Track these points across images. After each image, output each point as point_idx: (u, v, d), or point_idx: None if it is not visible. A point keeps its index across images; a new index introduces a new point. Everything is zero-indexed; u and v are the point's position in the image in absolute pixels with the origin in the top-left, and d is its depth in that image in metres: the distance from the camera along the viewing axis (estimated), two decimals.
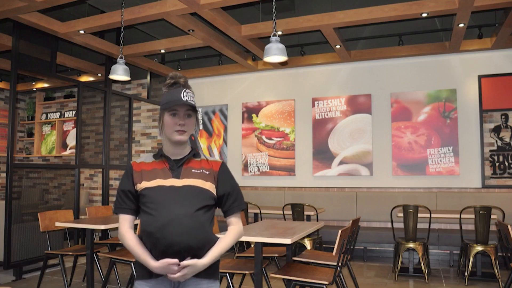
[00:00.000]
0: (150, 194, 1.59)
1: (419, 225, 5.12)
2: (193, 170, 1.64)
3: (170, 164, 1.64)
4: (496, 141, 5.62)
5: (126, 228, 1.63)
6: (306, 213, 5.02)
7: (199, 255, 1.56)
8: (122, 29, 4.58)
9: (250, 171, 6.82)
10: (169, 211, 1.55)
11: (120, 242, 4.53)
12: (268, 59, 3.72)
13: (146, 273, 1.59)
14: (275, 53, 3.61)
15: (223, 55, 6.26)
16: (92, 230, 3.68)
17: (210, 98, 7.21)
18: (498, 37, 5.15)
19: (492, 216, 4.38)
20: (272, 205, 6.44)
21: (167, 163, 1.65)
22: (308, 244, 4.89)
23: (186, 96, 1.59)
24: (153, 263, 1.52)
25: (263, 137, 6.79)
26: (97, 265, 4.08)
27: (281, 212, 5.26)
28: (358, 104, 6.26)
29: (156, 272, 1.54)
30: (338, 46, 5.60)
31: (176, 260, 1.49)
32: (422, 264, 4.49)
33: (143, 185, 1.61)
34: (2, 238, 4.74)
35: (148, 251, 1.57)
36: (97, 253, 4.08)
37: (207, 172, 1.66)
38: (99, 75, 7.03)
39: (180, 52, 6.55)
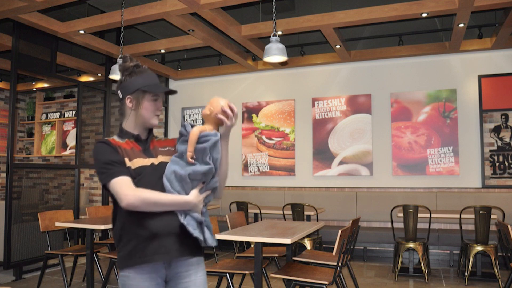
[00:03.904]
0: (135, 174, 1.58)
1: (419, 225, 5.12)
2: (160, 149, 1.69)
3: (141, 145, 1.66)
4: (496, 141, 5.62)
5: (135, 187, 1.52)
6: (306, 213, 5.02)
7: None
8: (122, 29, 4.59)
9: (250, 171, 6.82)
10: (155, 187, 1.57)
11: None
12: (268, 59, 3.72)
13: (139, 259, 1.54)
14: (275, 53, 3.62)
15: (223, 55, 6.26)
16: (92, 230, 3.68)
17: (210, 98, 7.19)
18: (498, 37, 5.15)
19: (492, 216, 4.38)
20: (272, 205, 6.44)
21: (137, 144, 1.66)
22: (308, 244, 4.89)
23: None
24: (189, 197, 1.55)
25: (263, 137, 6.79)
26: (97, 265, 4.08)
27: (281, 212, 5.26)
28: (358, 104, 6.26)
29: (193, 203, 1.56)
30: (338, 46, 5.60)
31: (200, 185, 1.58)
32: (422, 264, 4.49)
33: (127, 163, 1.58)
34: (2, 238, 4.74)
35: (138, 225, 1.55)
36: (97, 253, 4.08)
37: (173, 149, 1.71)
38: (99, 75, 7.03)
39: (180, 52, 6.56)
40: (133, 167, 1.57)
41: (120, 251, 1.59)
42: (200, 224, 1.59)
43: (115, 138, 1.64)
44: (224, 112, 1.56)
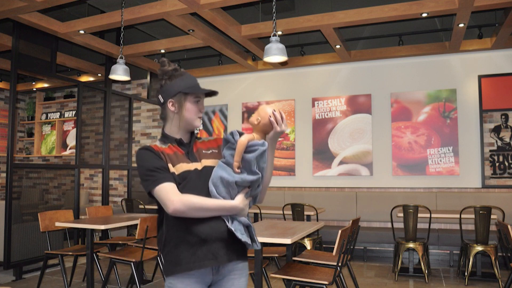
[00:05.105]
0: (180, 180, 1.56)
1: (419, 225, 5.12)
2: (203, 151, 1.67)
3: (184, 149, 1.64)
4: (496, 141, 5.62)
5: (180, 193, 1.50)
6: (306, 213, 5.02)
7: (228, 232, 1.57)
8: (122, 29, 4.59)
9: None
10: (201, 192, 1.55)
11: (120, 242, 4.54)
12: (268, 59, 3.72)
13: (187, 265, 1.51)
14: (275, 53, 3.62)
15: (223, 55, 6.26)
16: (92, 230, 3.68)
17: (210, 98, 7.15)
18: (498, 37, 5.15)
19: (492, 216, 4.38)
20: (272, 205, 6.43)
21: (180, 148, 1.64)
22: (308, 244, 4.89)
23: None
24: (235, 202, 1.53)
25: None
26: (97, 265, 4.08)
27: (281, 212, 5.26)
28: (358, 104, 6.26)
29: (239, 208, 1.54)
30: (338, 46, 5.60)
31: (246, 189, 1.56)
32: (422, 264, 4.49)
33: (171, 168, 1.57)
34: (2, 238, 4.74)
35: (182, 235, 1.52)
36: (97, 253, 4.08)
37: (216, 151, 1.69)
38: (99, 75, 7.03)
39: (180, 52, 6.55)
40: (177, 173, 1.56)
41: (167, 257, 1.56)
42: (247, 228, 1.59)
43: (157, 144, 1.63)
44: (274, 116, 1.55)
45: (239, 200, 1.54)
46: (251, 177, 1.55)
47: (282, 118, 1.55)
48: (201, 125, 1.59)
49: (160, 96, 1.64)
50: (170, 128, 1.65)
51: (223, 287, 1.60)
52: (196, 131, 1.72)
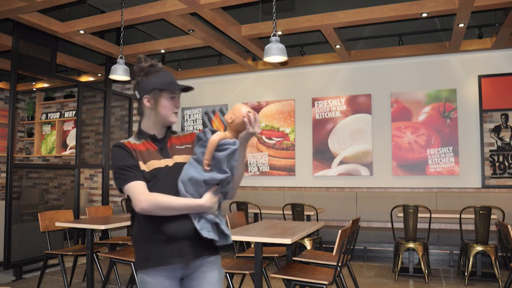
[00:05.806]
0: (150, 177, 1.58)
1: (419, 225, 5.12)
2: (176, 147, 1.69)
3: (158, 145, 1.66)
4: (496, 141, 5.62)
5: (148, 192, 1.53)
6: (306, 213, 5.02)
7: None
8: (122, 29, 4.59)
9: (250, 171, 6.82)
10: (170, 190, 1.57)
11: (120, 242, 4.54)
12: (268, 59, 3.72)
13: (155, 262, 1.56)
14: (275, 53, 3.62)
15: (223, 55, 6.26)
16: (92, 230, 3.68)
17: (210, 98, 7.21)
18: (498, 37, 5.15)
19: (492, 216, 4.38)
20: (272, 205, 6.44)
21: (154, 144, 1.66)
22: (308, 244, 4.89)
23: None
24: (202, 200, 1.54)
25: (263, 137, 6.79)
26: (97, 265, 4.08)
27: (281, 212, 5.26)
28: (358, 104, 6.26)
29: (206, 207, 1.55)
30: (338, 46, 5.60)
31: (214, 186, 1.56)
32: (422, 264, 4.49)
33: (141, 166, 1.59)
34: (2, 238, 4.74)
35: (150, 232, 1.56)
36: (97, 253, 4.08)
37: (190, 146, 1.71)
38: (99, 75, 7.03)
39: (180, 52, 6.56)
40: (147, 170, 1.58)
41: (137, 253, 1.61)
42: (215, 225, 1.59)
43: (130, 141, 1.65)
44: (248, 117, 1.55)
45: (206, 199, 1.56)
46: (220, 176, 1.55)
47: (255, 120, 1.56)
48: (177, 120, 1.56)
49: (136, 92, 1.68)
50: (146, 124, 1.68)
51: (195, 280, 1.64)
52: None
